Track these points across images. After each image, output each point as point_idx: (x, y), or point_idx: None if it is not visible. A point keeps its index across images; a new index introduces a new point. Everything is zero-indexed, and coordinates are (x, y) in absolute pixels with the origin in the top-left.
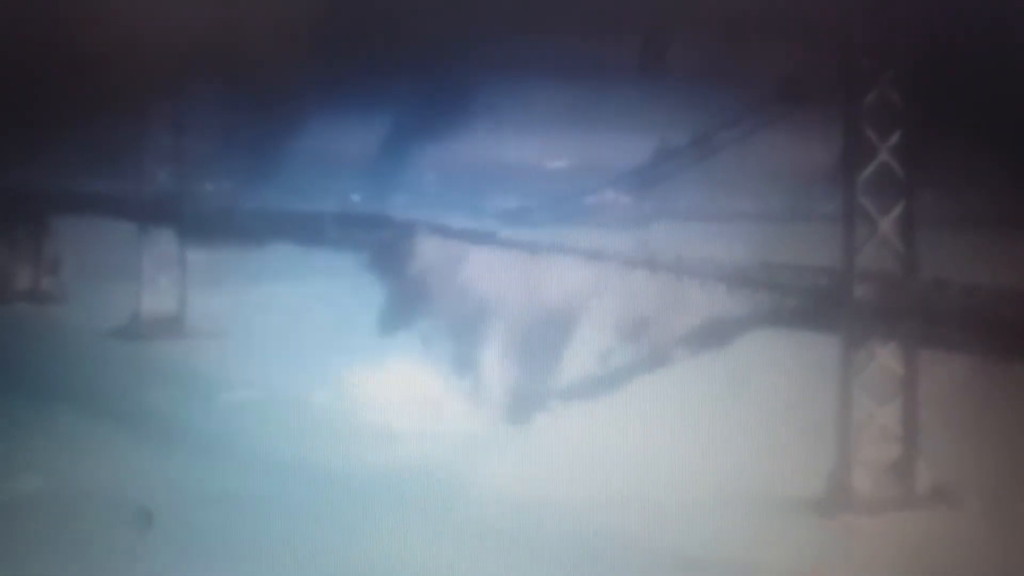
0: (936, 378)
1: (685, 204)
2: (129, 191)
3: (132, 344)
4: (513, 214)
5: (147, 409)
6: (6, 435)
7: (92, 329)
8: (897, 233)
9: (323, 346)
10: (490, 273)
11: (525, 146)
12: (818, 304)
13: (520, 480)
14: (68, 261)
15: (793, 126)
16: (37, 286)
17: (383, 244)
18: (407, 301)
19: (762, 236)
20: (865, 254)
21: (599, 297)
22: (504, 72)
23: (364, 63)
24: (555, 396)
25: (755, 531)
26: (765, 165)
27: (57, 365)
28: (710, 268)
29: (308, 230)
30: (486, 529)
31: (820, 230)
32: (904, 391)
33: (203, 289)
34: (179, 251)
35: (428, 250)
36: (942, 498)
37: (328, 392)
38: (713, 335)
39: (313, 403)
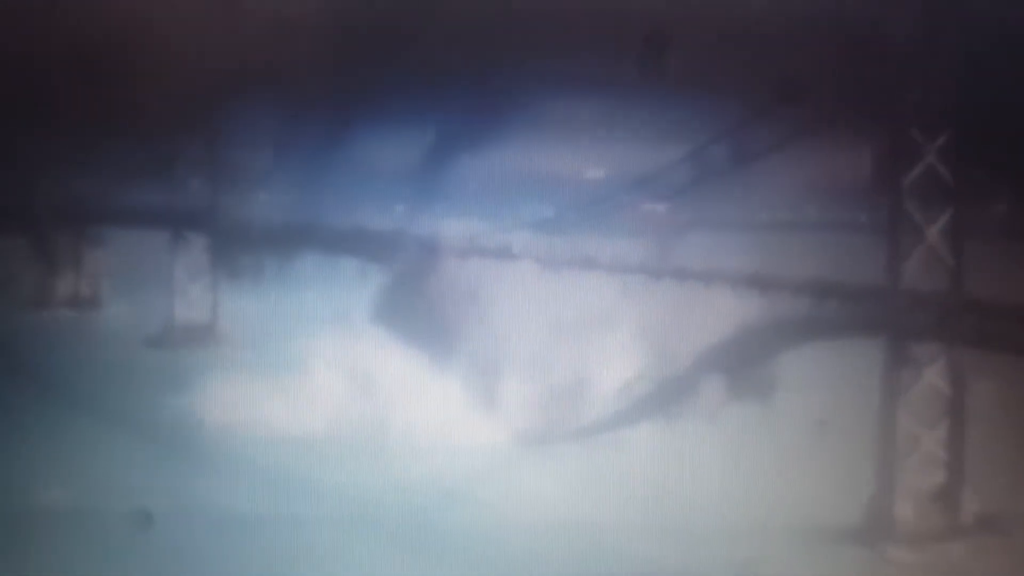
0: (987, 400)
1: (722, 213)
2: (168, 200)
3: (164, 352)
4: (549, 222)
5: (173, 420)
6: (31, 444)
7: (126, 336)
8: (945, 243)
9: (352, 361)
10: (520, 288)
11: (564, 156)
12: (859, 319)
13: (540, 503)
14: (109, 268)
15: (833, 130)
16: (77, 292)
17: (414, 258)
18: (437, 315)
19: (801, 247)
20: (910, 265)
21: (627, 311)
22: (544, 83)
23: (406, 75)
24: (577, 415)
25: (788, 560)
26: (804, 172)
27: (89, 373)
28: (745, 280)
29: (341, 241)
30: (504, 552)
31: (862, 240)
32: (952, 413)
33: (236, 298)
34: (212, 259)
35: (456, 265)
36: (991, 529)
37: (352, 408)
38: (746, 351)
39: (337, 418)
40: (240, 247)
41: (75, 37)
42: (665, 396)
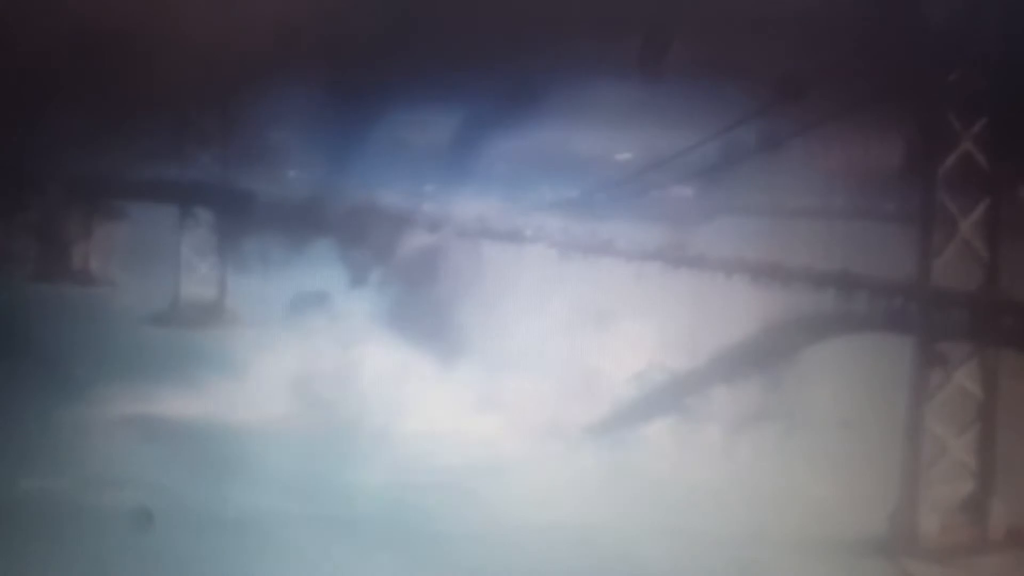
0: (1020, 404)
1: (747, 199)
2: (178, 178)
3: (169, 330)
4: (577, 203)
5: (173, 406)
6: (29, 433)
7: (133, 314)
8: (980, 236)
9: (355, 349)
10: (539, 272)
11: (593, 139)
12: (887, 316)
13: (552, 504)
14: (119, 245)
15: (865, 115)
16: (86, 268)
17: (432, 239)
18: (446, 303)
19: (829, 237)
20: (943, 259)
21: (645, 300)
22: (574, 68)
23: (439, 59)
24: (591, 414)
25: (808, 572)
26: (834, 158)
27: (92, 352)
28: (768, 271)
29: (352, 222)
30: (516, 552)
31: (891, 231)
32: (982, 418)
33: (243, 277)
34: (220, 238)
35: (468, 251)
36: (1019, 542)
37: (358, 400)
38: (767, 349)
39: (341, 411)
40: (250, 227)
41: (91, 18)
42: (679, 395)
